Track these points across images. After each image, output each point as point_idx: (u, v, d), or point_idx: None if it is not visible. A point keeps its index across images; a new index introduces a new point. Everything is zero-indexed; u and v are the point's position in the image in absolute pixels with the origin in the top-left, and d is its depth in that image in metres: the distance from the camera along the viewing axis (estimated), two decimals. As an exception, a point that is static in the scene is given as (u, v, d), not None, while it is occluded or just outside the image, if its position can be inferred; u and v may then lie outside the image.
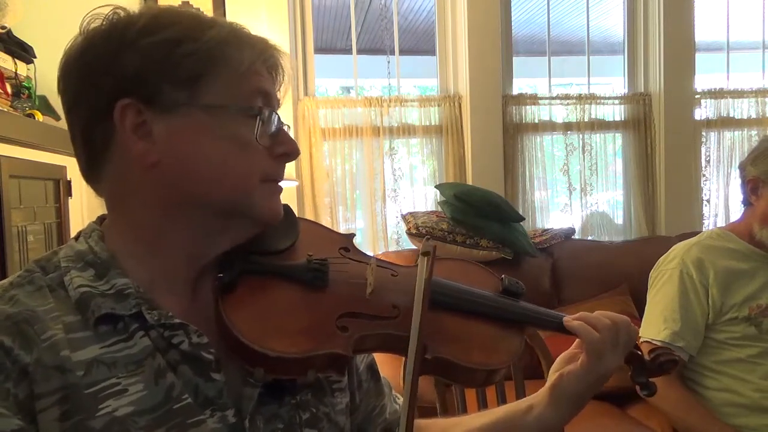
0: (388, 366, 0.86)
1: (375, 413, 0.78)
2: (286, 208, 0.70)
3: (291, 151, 0.65)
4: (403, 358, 0.60)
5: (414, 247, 2.78)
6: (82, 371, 0.54)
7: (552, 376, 0.76)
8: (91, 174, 0.64)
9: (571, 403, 0.74)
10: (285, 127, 0.66)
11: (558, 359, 0.77)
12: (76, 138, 0.63)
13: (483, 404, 1.41)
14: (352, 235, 0.76)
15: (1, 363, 0.52)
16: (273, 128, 0.63)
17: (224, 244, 0.64)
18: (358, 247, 0.75)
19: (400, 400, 0.82)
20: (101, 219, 0.66)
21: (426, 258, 0.64)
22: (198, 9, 2.51)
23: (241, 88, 0.61)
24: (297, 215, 0.73)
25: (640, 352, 0.76)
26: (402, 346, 0.60)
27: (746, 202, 1.56)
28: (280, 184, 0.67)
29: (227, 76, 0.60)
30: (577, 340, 0.74)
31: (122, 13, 0.61)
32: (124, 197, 0.62)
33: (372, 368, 0.79)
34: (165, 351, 0.57)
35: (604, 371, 0.72)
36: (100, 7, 0.61)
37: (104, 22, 0.60)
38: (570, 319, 0.73)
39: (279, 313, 0.62)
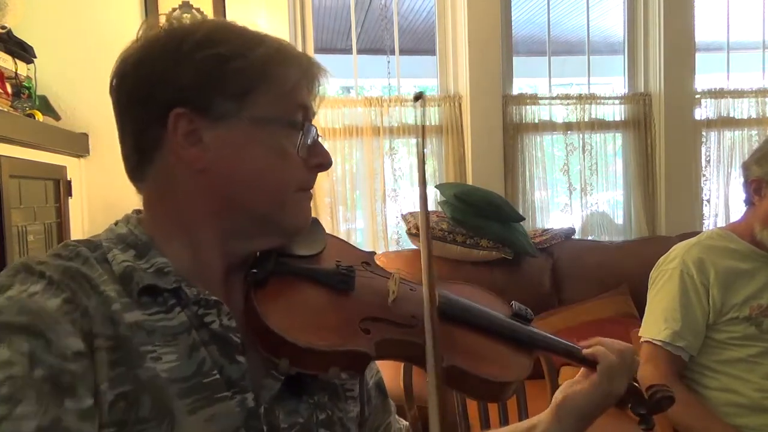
0: (386, 377, 0.87)
1: (381, 430, 0.80)
2: (315, 220, 0.75)
3: (325, 163, 0.70)
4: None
5: (414, 247, 2.78)
6: (129, 329, 0.57)
7: (558, 395, 0.79)
8: (136, 173, 0.67)
9: (574, 420, 0.77)
10: (320, 139, 0.70)
11: (564, 384, 0.81)
12: (127, 139, 0.66)
13: (483, 409, 1.42)
14: (373, 253, 0.81)
15: (72, 297, 0.55)
16: (310, 140, 0.68)
17: (256, 248, 0.68)
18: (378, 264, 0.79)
19: (403, 422, 0.85)
20: (137, 212, 0.70)
21: (419, 102, 0.67)
22: (198, 9, 2.51)
23: (285, 103, 0.66)
24: None
25: (638, 385, 0.81)
26: (420, 353, 0.62)
27: (748, 202, 1.56)
28: (311, 192, 0.71)
29: (274, 91, 0.64)
30: (582, 369, 0.79)
31: (177, 24, 0.66)
32: (167, 197, 0.66)
33: (380, 386, 0.82)
34: (197, 329, 0.60)
35: (610, 392, 0.76)
36: (160, 15, 0.64)
37: (161, 33, 0.65)
38: (588, 347, 0.78)
39: (307, 309, 0.66)
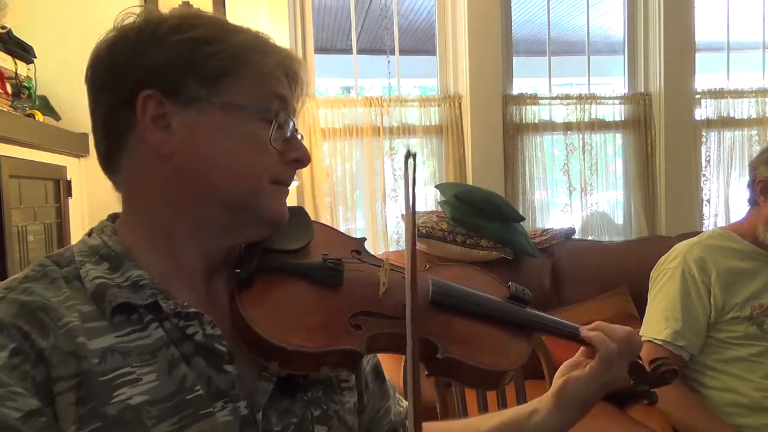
0: (389, 370, 0.86)
1: (380, 414, 0.79)
2: (301, 209, 0.72)
3: (302, 158, 0.68)
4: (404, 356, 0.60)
5: (414, 247, 2.77)
6: (97, 359, 0.55)
7: (557, 381, 0.77)
8: (109, 163, 0.66)
9: (575, 408, 0.75)
10: (299, 136, 0.69)
11: (563, 366, 0.79)
12: (97, 125, 0.65)
13: (483, 405, 1.41)
14: (364, 239, 0.78)
15: (20, 346, 0.53)
16: (287, 133, 0.66)
17: (234, 242, 0.66)
18: (369, 251, 0.76)
19: (404, 402, 0.83)
20: (113, 217, 0.68)
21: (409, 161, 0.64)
22: (198, 9, 2.51)
23: (260, 91, 0.64)
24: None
25: (641, 362, 0.78)
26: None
27: (752, 202, 1.55)
28: (288, 188, 0.69)
29: (249, 78, 0.63)
30: (582, 348, 0.77)
31: (155, 12, 0.64)
32: (139, 188, 0.64)
33: (377, 370, 0.80)
34: (179, 342, 0.58)
35: (610, 379, 0.74)
36: (133, 6, 0.64)
37: (137, 19, 0.63)
38: (587, 331, 0.76)
39: (295, 309, 0.64)
